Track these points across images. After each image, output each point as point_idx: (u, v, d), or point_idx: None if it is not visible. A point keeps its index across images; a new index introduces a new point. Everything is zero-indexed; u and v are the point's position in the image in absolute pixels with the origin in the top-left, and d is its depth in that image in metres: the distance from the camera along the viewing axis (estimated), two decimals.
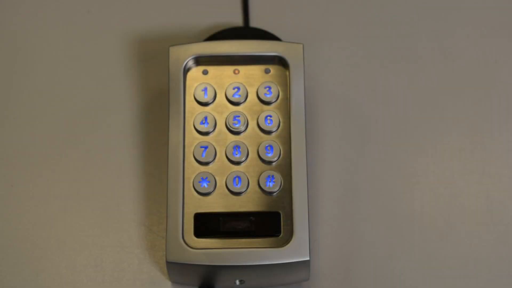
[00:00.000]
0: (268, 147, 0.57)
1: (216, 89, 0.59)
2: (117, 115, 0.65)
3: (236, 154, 0.57)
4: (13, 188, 0.63)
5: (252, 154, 0.57)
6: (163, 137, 0.63)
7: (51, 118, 0.65)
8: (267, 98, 0.58)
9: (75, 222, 0.62)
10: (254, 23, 0.68)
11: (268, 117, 0.58)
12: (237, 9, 0.69)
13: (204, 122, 0.58)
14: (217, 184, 0.56)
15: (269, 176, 0.56)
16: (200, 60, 0.59)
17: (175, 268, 0.55)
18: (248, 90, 0.59)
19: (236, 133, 0.58)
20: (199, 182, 0.56)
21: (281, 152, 0.57)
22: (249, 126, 0.58)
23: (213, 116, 0.58)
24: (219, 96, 0.59)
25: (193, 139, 0.57)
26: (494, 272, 0.61)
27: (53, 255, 0.60)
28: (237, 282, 0.57)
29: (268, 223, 0.55)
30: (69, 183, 0.62)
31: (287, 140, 0.57)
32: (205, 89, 0.59)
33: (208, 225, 0.55)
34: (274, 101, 0.59)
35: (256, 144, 0.57)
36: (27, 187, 0.62)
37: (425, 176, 0.63)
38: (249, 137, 0.58)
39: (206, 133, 0.58)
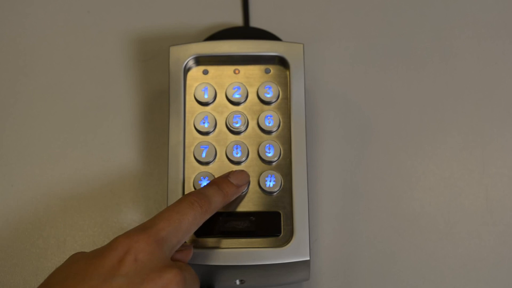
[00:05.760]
0: (268, 147, 0.57)
1: (216, 89, 0.59)
2: (117, 115, 0.65)
3: (236, 154, 0.57)
4: (13, 188, 0.63)
5: (252, 154, 0.57)
6: (163, 137, 0.63)
7: (51, 118, 0.65)
8: (267, 98, 0.58)
9: (75, 222, 0.62)
10: (254, 23, 0.68)
11: (268, 117, 0.58)
12: (237, 9, 0.69)
13: (204, 122, 0.58)
14: None
15: (269, 176, 0.56)
16: (200, 60, 0.59)
17: None
18: (248, 90, 0.59)
19: (236, 133, 0.58)
20: (200, 182, 0.56)
21: (281, 152, 0.57)
22: (249, 126, 0.58)
23: (213, 116, 0.58)
24: (219, 96, 0.59)
25: (193, 139, 0.57)
26: (494, 272, 0.61)
27: (53, 255, 0.60)
28: (237, 282, 0.57)
29: (268, 223, 0.55)
30: (69, 182, 0.62)
31: (287, 140, 0.57)
32: (205, 89, 0.59)
33: (208, 224, 0.55)
34: (274, 101, 0.59)
35: (256, 144, 0.57)
36: (27, 187, 0.62)
37: (425, 176, 0.63)
38: (249, 137, 0.58)
39: (206, 133, 0.58)
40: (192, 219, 0.49)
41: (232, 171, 0.55)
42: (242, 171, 0.56)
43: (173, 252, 0.48)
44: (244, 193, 0.56)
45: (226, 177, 0.54)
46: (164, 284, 0.45)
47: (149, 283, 0.45)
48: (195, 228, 0.49)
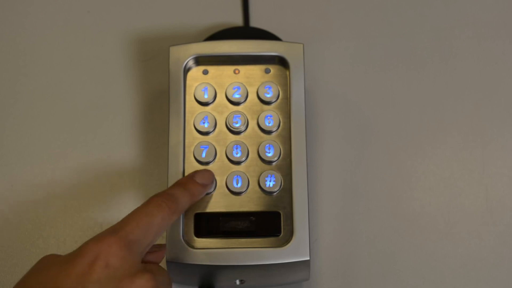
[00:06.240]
0: (268, 147, 0.57)
1: (216, 89, 0.59)
2: (117, 115, 0.65)
3: (236, 154, 0.57)
4: (13, 188, 0.63)
5: (252, 154, 0.57)
6: (163, 137, 0.63)
7: (51, 118, 0.65)
8: (267, 98, 0.58)
9: (75, 222, 0.62)
10: (254, 23, 0.68)
11: (268, 117, 0.58)
12: (237, 9, 0.69)
13: (204, 122, 0.58)
14: (217, 184, 0.56)
15: (269, 176, 0.56)
16: (200, 60, 0.59)
17: (175, 268, 0.55)
18: (248, 90, 0.59)
19: (236, 133, 0.58)
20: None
21: (281, 152, 0.57)
22: (249, 126, 0.58)
23: (213, 116, 0.58)
24: (219, 96, 0.59)
25: (193, 139, 0.57)
26: (494, 272, 0.61)
27: None
28: (237, 282, 0.57)
29: (268, 223, 0.55)
30: (69, 183, 0.62)
31: (287, 140, 0.57)
32: (205, 89, 0.59)
33: (208, 225, 0.55)
34: (274, 101, 0.59)
35: (256, 144, 0.57)
36: (27, 187, 0.62)
37: (425, 176, 0.63)
38: (249, 137, 0.58)
39: (206, 133, 0.58)
40: (161, 220, 0.48)
41: (196, 170, 0.55)
42: (207, 170, 0.56)
43: (144, 254, 0.47)
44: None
45: (191, 177, 0.54)
46: None
47: None
48: (164, 229, 0.49)
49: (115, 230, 0.46)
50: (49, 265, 0.45)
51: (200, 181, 0.54)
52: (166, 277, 0.48)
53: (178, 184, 0.53)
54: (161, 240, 0.60)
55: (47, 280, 0.44)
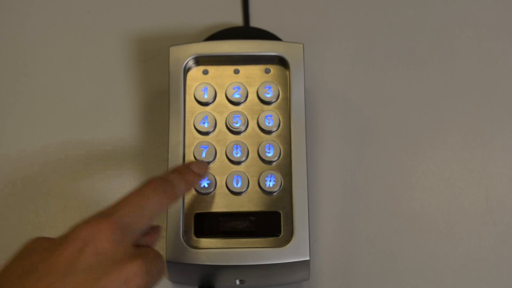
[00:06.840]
0: (268, 147, 0.57)
1: (216, 89, 0.59)
2: (117, 115, 0.65)
3: (236, 154, 0.57)
4: (13, 188, 0.63)
5: (252, 154, 0.57)
6: (163, 137, 0.63)
7: (51, 118, 0.65)
8: (267, 98, 0.58)
9: (75, 222, 0.61)
10: (254, 23, 0.68)
11: (268, 117, 0.58)
12: (237, 9, 0.69)
13: (204, 122, 0.58)
14: (217, 184, 0.56)
15: (269, 176, 0.56)
16: (200, 60, 0.59)
17: (175, 268, 0.55)
18: (248, 90, 0.59)
19: (236, 133, 0.58)
20: (200, 182, 0.56)
21: (281, 152, 0.57)
22: (249, 126, 0.58)
23: (213, 116, 0.58)
24: (219, 96, 0.59)
25: (193, 139, 0.57)
26: (494, 272, 0.61)
27: None
28: (237, 282, 0.57)
29: (268, 223, 0.55)
30: (69, 183, 0.62)
31: (287, 140, 0.57)
32: (205, 89, 0.59)
33: (208, 225, 0.55)
34: (274, 101, 0.59)
35: (256, 144, 0.57)
36: (27, 188, 0.62)
37: (425, 176, 0.63)
38: (249, 137, 0.58)
39: (206, 133, 0.58)
40: (156, 204, 0.47)
41: (191, 161, 0.56)
42: (202, 161, 0.56)
43: (137, 237, 0.46)
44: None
45: (187, 166, 0.54)
46: (126, 277, 0.42)
47: (109, 277, 0.42)
48: (159, 213, 0.47)
49: (108, 213, 0.45)
50: (38, 249, 0.44)
51: (196, 170, 0.53)
52: (158, 261, 0.47)
53: (175, 170, 0.53)
54: (160, 241, 0.60)
55: (34, 266, 0.42)
